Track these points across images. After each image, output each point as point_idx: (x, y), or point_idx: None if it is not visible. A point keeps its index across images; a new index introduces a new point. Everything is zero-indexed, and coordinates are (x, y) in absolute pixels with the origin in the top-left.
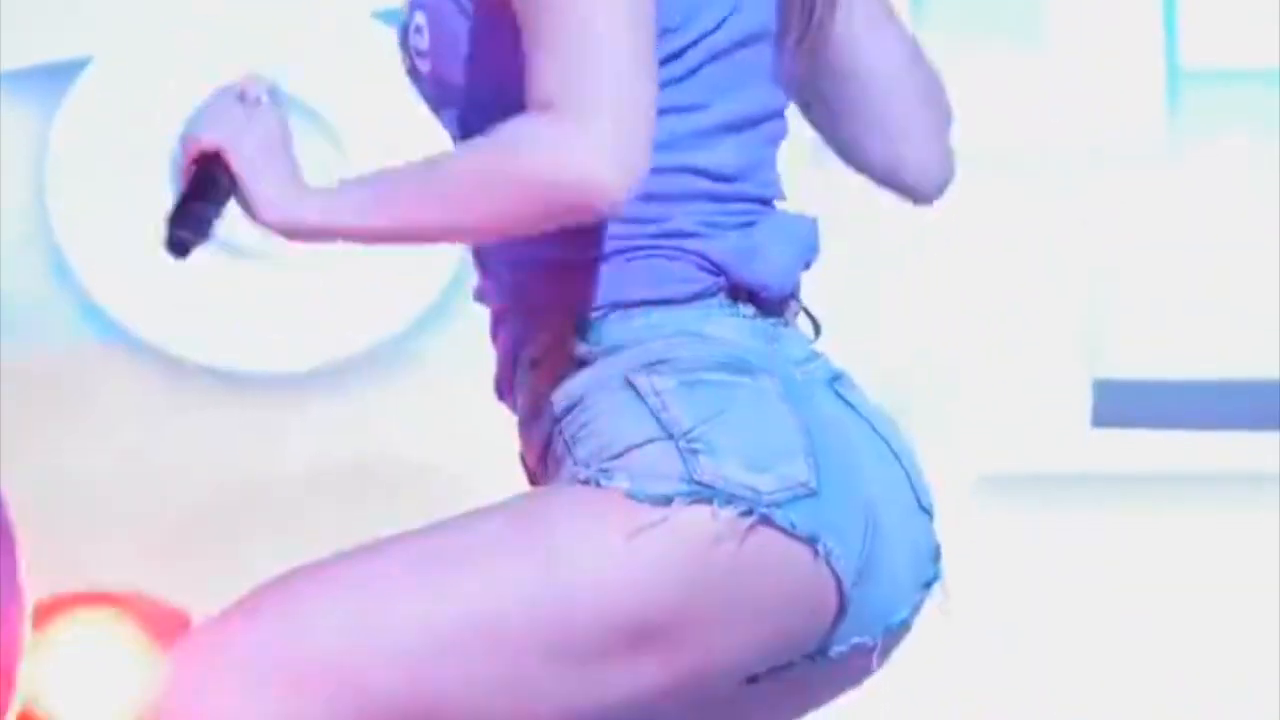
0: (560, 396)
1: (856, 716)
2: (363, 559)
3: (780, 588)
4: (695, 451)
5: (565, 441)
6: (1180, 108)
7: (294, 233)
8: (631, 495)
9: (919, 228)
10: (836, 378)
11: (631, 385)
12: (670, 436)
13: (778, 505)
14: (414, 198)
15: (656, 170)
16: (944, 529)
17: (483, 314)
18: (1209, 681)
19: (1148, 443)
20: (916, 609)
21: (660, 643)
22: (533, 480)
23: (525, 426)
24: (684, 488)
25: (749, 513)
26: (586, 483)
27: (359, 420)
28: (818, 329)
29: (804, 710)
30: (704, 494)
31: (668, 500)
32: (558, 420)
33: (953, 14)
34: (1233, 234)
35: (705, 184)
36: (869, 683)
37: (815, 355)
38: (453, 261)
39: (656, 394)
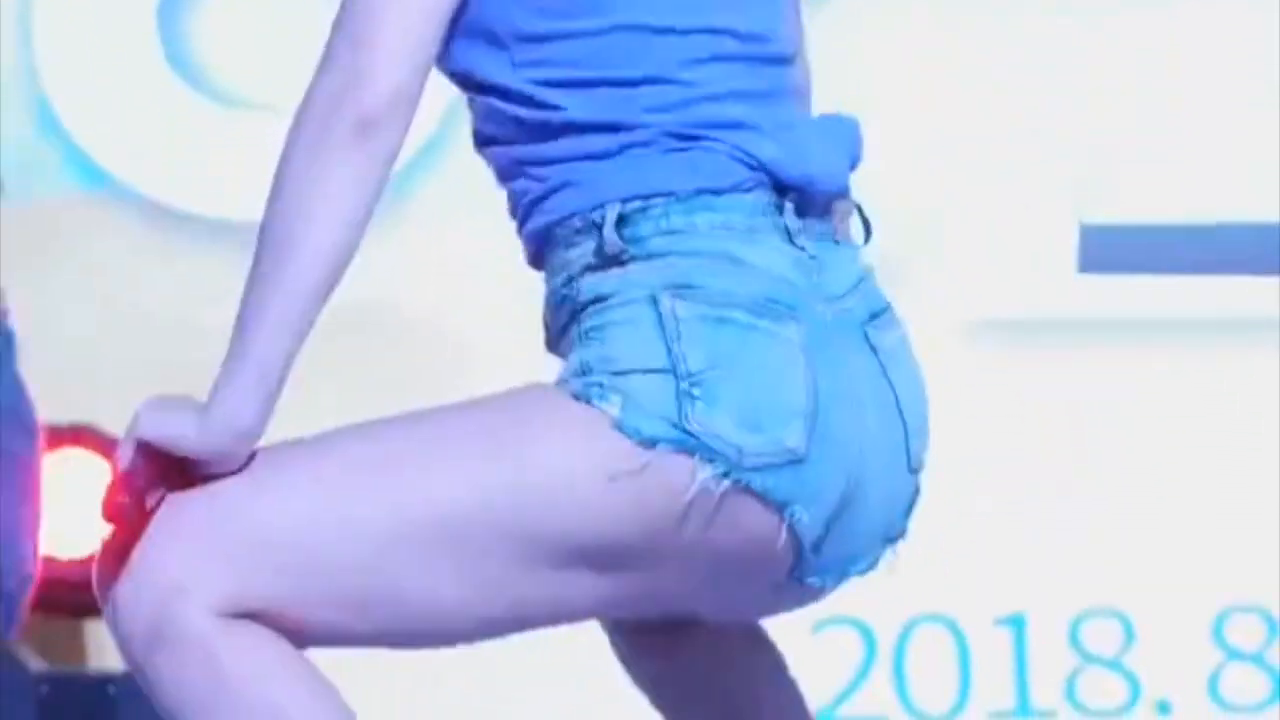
0: (589, 287)
1: None
2: (337, 445)
3: (741, 541)
4: (693, 397)
5: (580, 333)
6: None
7: (254, 412)
8: (619, 426)
9: (904, 72)
10: (874, 315)
11: (655, 304)
12: (674, 373)
13: (756, 470)
14: (269, 249)
15: (679, 32)
16: (932, 375)
17: (472, 152)
18: (1198, 526)
19: (1133, 288)
20: (876, 562)
21: (617, 568)
22: (550, 344)
23: (552, 299)
24: (672, 434)
25: (726, 474)
26: (580, 398)
27: (350, 264)
28: (868, 230)
29: (747, 614)
30: (688, 444)
31: (653, 443)
32: (582, 308)
33: None
34: (1224, 77)
35: (733, 45)
36: None
37: (856, 286)
38: (444, 101)
39: (677, 321)
